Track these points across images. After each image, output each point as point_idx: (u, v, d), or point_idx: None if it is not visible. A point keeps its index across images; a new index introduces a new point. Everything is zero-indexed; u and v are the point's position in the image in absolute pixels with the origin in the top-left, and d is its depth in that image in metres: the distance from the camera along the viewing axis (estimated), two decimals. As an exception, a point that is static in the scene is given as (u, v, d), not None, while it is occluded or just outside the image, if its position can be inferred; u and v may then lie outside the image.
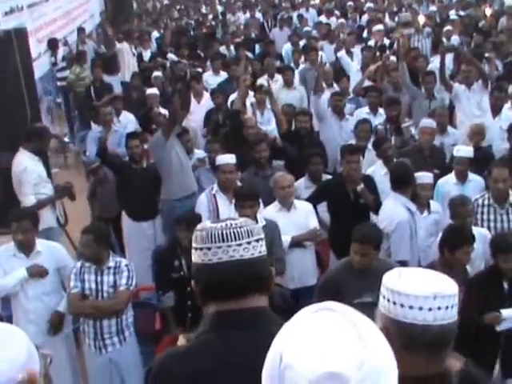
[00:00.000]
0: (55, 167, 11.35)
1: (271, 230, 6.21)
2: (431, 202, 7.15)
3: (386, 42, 14.73)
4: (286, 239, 6.71)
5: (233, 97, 10.53)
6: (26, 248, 6.05)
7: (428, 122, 8.52)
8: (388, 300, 2.10)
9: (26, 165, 7.44)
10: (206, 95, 11.29)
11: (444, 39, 14.54)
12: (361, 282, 5.21)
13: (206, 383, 2.21)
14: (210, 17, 22.88)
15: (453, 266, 5.43)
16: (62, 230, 8.01)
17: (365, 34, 16.69)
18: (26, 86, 8.39)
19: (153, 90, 11.19)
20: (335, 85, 11.38)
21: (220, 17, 22.40)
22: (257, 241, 2.27)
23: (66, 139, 14.51)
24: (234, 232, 2.23)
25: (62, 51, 15.37)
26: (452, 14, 17.98)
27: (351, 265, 5.48)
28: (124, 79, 14.21)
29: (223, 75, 12.86)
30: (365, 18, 19.20)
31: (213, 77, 13.02)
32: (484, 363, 5.58)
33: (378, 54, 13.16)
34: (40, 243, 6.17)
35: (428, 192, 7.09)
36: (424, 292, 2.05)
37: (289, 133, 9.19)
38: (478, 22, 17.44)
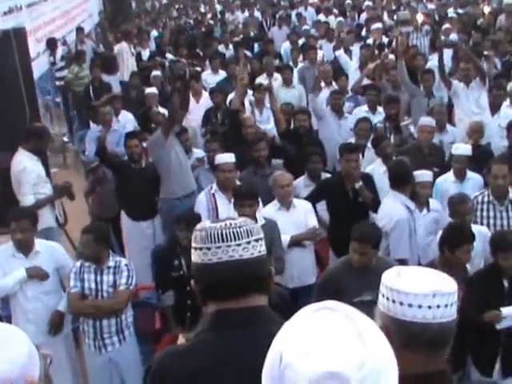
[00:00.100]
0: (54, 167, 11.34)
1: (270, 229, 6.20)
2: (430, 200, 7.15)
3: (385, 40, 14.74)
4: (285, 238, 6.70)
5: (231, 96, 10.53)
6: (25, 248, 6.04)
7: (427, 121, 8.51)
8: (387, 298, 2.10)
9: (25, 164, 7.44)
10: (205, 94, 11.29)
11: (442, 37, 14.52)
12: (360, 280, 5.21)
13: (205, 382, 2.22)
14: (209, 16, 22.87)
15: (453, 264, 5.42)
16: (61, 230, 8.00)
17: (363, 33, 16.71)
18: (24, 85, 8.38)
19: (152, 90, 11.18)
20: (334, 83, 11.37)
21: (219, 16, 22.40)
22: (256, 240, 2.27)
23: (65, 139, 14.52)
24: (233, 232, 2.23)
25: (60, 51, 15.36)
26: (450, 12, 17.98)
27: (350, 263, 5.48)
28: (123, 79, 14.20)
29: (222, 74, 12.88)
30: (363, 16, 19.21)
31: (212, 76, 13.02)
32: (484, 361, 5.62)
33: (376, 52, 13.17)
34: (39, 243, 6.16)
35: (427, 190, 7.08)
36: (423, 290, 2.05)
37: (288, 131, 9.18)
38: (476, 19, 17.45)
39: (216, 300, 2.29)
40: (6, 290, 6.05)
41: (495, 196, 6.75)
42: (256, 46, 16.70)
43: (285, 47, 15.77)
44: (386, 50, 13.08)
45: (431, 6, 19.50)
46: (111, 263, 5.96)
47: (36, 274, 6.02)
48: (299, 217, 6.98)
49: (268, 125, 9.95)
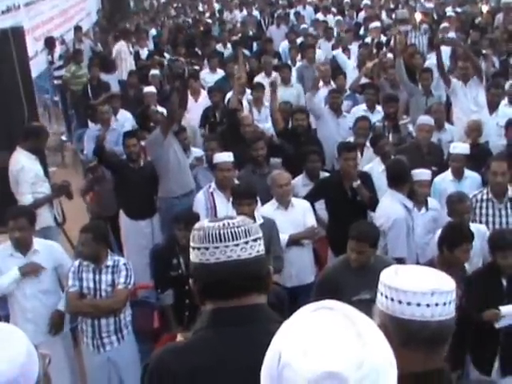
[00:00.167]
0: (53, 166, 11.34)
1: (269, 228, 6.20)
2: (429, 198, 7.15)
3: (383, 39, 14.74)
4: (283, 237, 6.70)
5: (230, 95, 10.53)
6: (23, 247, 6.03)
7: (426, 119, 8.51)
8: (386, 297, 2.10)
9: (23, 164, 7.44)
10: (204, 93, 11.29)
11: (440, 36, 14.52)
12: (358, 279, 5.21)
13: (203, 379, 2.21)
14: (207, 15, 22.86)
15: (452, 263, 5.42)
16: (59, 229, 8.00)
17: (362, 31, 16.72)
18: (22, 84, 8.37)
19: (150, 89, 11.18)
20: (332, 82, 11.37)
21: (217, 14, 22.38)
22: (254, 240, 2.26)
23: (64, 138, 14.51)
24: (231, 232, 2.23)
25: (58, 50, 15.35)
26: (449, 11, 17.97)
27: (348, 262, 5.48)
28: (121, 78, 14.20)
29: (220, 73, 12.87)
30: (362, 15, 19.22)
31: (210, 75, 13.02)
32: (483, 360, 5.62)
33: (374, 51, 13.17)
34: (37, 242, 6.15)
35: (426, 189, 7.08)
36: (422, 288, 2.05)
37: (286, 131, 9.18)
38: (474, 18, 17.46)
39: (214, 299, 2.29)
40: (2, 289, 6.04)
41: (494, 193, 6.75)
42: (255, 44, 16.71)
43: (283, 46, 15.76)
44: (385, 48, 13.07)
45: (429, 5, 19.45)
46: (110, 262, 5.95)
47: (30, 270, 6.01)
48: (297, 216, 6.98)
49: (266, 124, 9.95)
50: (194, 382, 2.21)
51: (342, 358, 1.40)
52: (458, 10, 18.66)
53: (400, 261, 5.79)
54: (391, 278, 2.11)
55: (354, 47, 14.17)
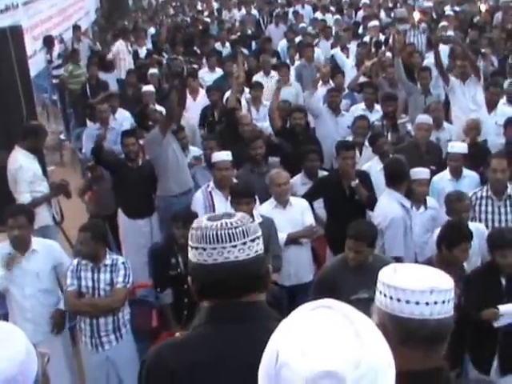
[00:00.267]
0: (51, 165, 11.34)
1: (267, 227, 6.21)
2: (427, 197, 7.15)
3: (382, 37, 14.74)
4: (281, 236, 6.71)
5: (228, 94, 10.53)
6: (22, 245, 6.01)
7: (424, 118, 8.51)
8: (384, 295, 2.10)
9: (21, 163, 7.43)
10: (202, 92, 11.28)
11: (439, 34, 14.53)
12: (357, 278, 5.21)
13: (202, 375, 2.21)
14: (206, 13, 22.85)
15: (450, 263, 5.42)
16: (58, 228, 7.99)
17: (360, 30, 16.73)
18: (21, 83, 8.37)
19: (148, 87, 11.17)
20: (330, 81, 11.36)
21: (215, 13, 22.38)
22: (252, 240, 2.25)
23: (62, 137, 14.51)
24: (228, 233, 2.21)
25: (57, 49, 15.35)
26: (447, 10, 17.99)
27: (346, 261, 5.48)
28: (120, 76, 14.19)
29: (219, 72, 12.86)
30: (360, 14, 19.21)
31: (208, 74, 13.01)
32: (482, 359, 5.62)
33: (373, 50, 13.17)
34: (36, 241, 6.14)
35: (424, 188, 7.08)
36: (420, 286, 2.05)
37: (284, 130, 9.18)
38: (472, 17, 17.46)
39: (212, 299, 2.29)
40: None
41: (494, 190, 6.76)
42: (253, 43, 16.70)
43: (282, 45, 15.76)
44: (383, 47, 13.07)
45: (428, 4, 19.45)
46: (108, 261, 5.95)
47: (11, 262, 5.97)
48: (296, 215, 6.98)
49: (265, 123, 9.95)
50: (192, 378, 2.21)
51: (340, 357, 1.39)
52: (457, 8, 18.68)
53: (397, 260, 5.79)
54: (390, 276, 2.11)
55: (352, 46, 14.17)
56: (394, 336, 2.00)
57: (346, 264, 5.47)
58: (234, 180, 7.49)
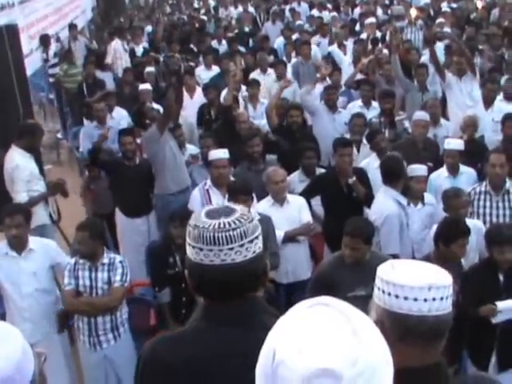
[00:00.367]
0: (48, 164, 11.33)
1: (265, 225, 6.19)
2: (425, 193, 7.15)
3: (378, 34, 14.74)
4: (279, 234, 6.71)
5: (225, 92, 10.52)
6: (19, 245, 6.00)
7: (421, 115, 8.50)
8: (383, 291, 2.09)
9: (18, 162, 7.41)
10: (199, 90, 11.27)
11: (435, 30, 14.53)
12: (354, 275, 5.21)
13: (198, 369, 2.20)
14: (202, 11, 22.83)
15: (448, 259, 5.42)
16: (55, 227, 7.99)
17: (357, 27, 16.72)
18: (17, 82, 8.37)
19: (145, 86, 11.16)
20: (327, 78, 11.35)
21: (212, 11, 22.36)
22: (251, 241, 2.21)
23: (59, 135, 14.50)
24: (225, 236, 2.17)
25: (53, 47, 15.33)
26: (444, 7, 17.98)
27: (343, 259, 5.47)
28: (117, 75, 14.18)
29: (215, 70, 12.85)
30: (357, 11, 19.22)
31: (205, 71, 13.00)
32: (480, 356, 5.62)
33: (370, 47, 13.16)
34: (33, 241, 6.13)
35: (422, 185, 7.08)
36: (419, 283, 2.04)
37: (281, 127, 9.17)
38: (469, 14, 17.47)
39: (208, 297, 2.28)
40: None
41: (493, 185, 6.77)
42: (250, 41, 16.70)
43: (278, 42, 15.75)
44: (380, 44, 13.07)
45: (425, 1, 19.47)
46: (106, 260, 5.94)
47: None
48: (293, 212, 6.98)
49: (262, 120, 9.94)
50: (188, 372, 2.20)
51: (337, 354, 1.39)
52: (454, 5, 18.67)
53: (393, 257, 5.78)
54: (388, 272, 2.10)
55: (349, 43, 14.17)
56: (392, 332, 2.00)
57: (343, 261, 5.46)
58: (231, 178, 7.48)
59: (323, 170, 8.06)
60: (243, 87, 10.97)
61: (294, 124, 8.94)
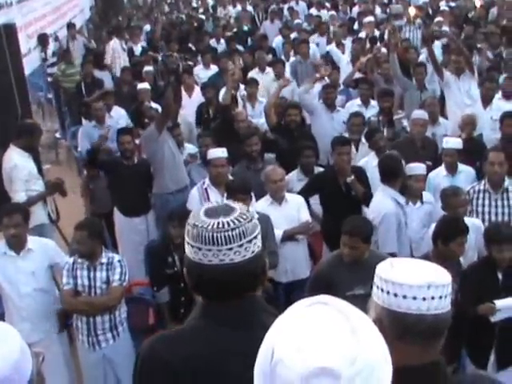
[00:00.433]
0: (47, 163, 11.34)
1: (264, 224, 6.19)
2: (423, 192, 7.14)
3: (377, 33, 14.74)
4: (277, 233, 6.70)
5: (223, 91, 10.51)
6: (17, 244, 5.98)
7: (420, 114, 8.50)
8: (382, 290, 2.09)
9: (16, 162, 7.41)
10: (197, 89, 11.26)
11: (433, 29, 14.53)
12: (352, 274, 5.21)
13: (196, 367, 2.20)
14: (201, 10, 22.83)
15: (447, 257, 5.42)
16: (53, 227, 7.98)
17: (355, 26, 16.72)
18: (16, 82, 8.36)
19: (144, 85, 11.14)
20: (326, 77, 11.34)
21: (210, 10, 22.36)
22: (249, 241, 2.21)
23: (58, 135, 14.50)
24: (224, 236, 2.17)
25: (52, 47, 15.32)
26: (442, 5, 17.99)
27: (342, 257, 5.47)
28: (116, 74, 14.17)
29: (214, 69, 12.85)
30: (355, 9, 19.22)
31: (203, 71, 13.00)
32: (479, 354, 5.62)
33: (368, 45, 13.16)
34: (32, 240, 6.11)
35: (421, 183, 7.08)
36: (418, 281, 2.04)
37: (280, 126, 9.17)
38: (468, 12, 17.47)
39: (207, 296, 2.28)
40: None
41: (492, 184, 6.76)
42: (249, 40, 16.70)
43: (277, 41, 15.75)
44: (378, 43, 13.06)
45: (424, -1, 19.51)
46: (104, 259, 5.93)
47: None
48: (291, 211, 6.98)
49: (260, 119, 9.94)
50: (186, 370, 2.20)
51: (336, 353, 1.39)
52: (452, 4, 18.66)
53: (391, 256, 5.77)
54: (387, 271, 2.10)
55: (347, 42, 14.16)
56: (390, 331, 2.00)
57: (342, 260, 5.46)
58: (230, 177, 7.48)
59: (322, 169, 8.06)
60: (242, 86, 10.96)
61: (293, 123, 8.94)
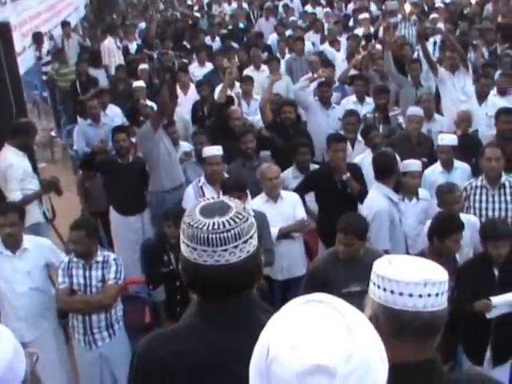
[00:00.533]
0: (42, 162, 11.32)
1: (260, 222, 6.17)
2: (419, 189, 7.14)
3: (372, 30, 14.75)
4: (273, 231, 6.69)
5: (219, 88, 10.51)
6: (13, 244, 5.97)
7: (415, 110, 8.50)
8: (378, 286, 2.08)
9: (11, 160, 7.39)
10: (193, 87, 11.25)
11: (428, 25, 14.53)
12: (348, 271, 5.21)
13: (192, 366, 2.19)
14: (196, 8, 22.81)
15: (442, 254, 5.43)
16: (49, 225, 7.97)
17: (351, 23, 16.71)
18: (10, 80, 8.32)
19: (139, 83, 11.12)
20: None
21: (205, 8, 22.34)
22: (245, 242, 2.19)
23: (53, 133, 14.48)
24: (219, 237, 2.15)
25: (47, 45, 15.29)
26: (438, 2, 17.99)
27: (337, 255, 5.47)
28: (111, 72, 14.15)
29: (209, 67, 12.84)
30: (351, 6, 19.20)
31: (198, 68, 12.99)
32: (475, 350, 5.63)
33: (363, 42, 13.16)
34: (27, 240, 6.10)
35: (416, 180, 7.08)
36: (414, 278, 2.04)
37: (275, 123, 9.17)
38: (463, 9, 17.49)
39: (201, 295, 2.27)
40: None
41: (489, 179, 6.77)
42: (245, 37, 16.69)
43: (272, 39, 15.75)
44: (373, 40, 13.06)
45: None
46: (99, 258, 5.92)
47: None
48: (287, 209, 6.98)
49: (256, 116, 9.93)
50: (182, 368, 2.19)
51: (331, 351, 1.38)
52: (447, 0, 18.67)
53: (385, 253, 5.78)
54: (384, 268, 2.09)
55: (343, 39, 14.16)
56: (386, 328, 2.00)
57: (337, 258, 5.46)
58: (225, 175, 7.47)
59: (317, 166, 8.05)
60: (237, 84, 10.95)
61: (288, 120, 8.94)
